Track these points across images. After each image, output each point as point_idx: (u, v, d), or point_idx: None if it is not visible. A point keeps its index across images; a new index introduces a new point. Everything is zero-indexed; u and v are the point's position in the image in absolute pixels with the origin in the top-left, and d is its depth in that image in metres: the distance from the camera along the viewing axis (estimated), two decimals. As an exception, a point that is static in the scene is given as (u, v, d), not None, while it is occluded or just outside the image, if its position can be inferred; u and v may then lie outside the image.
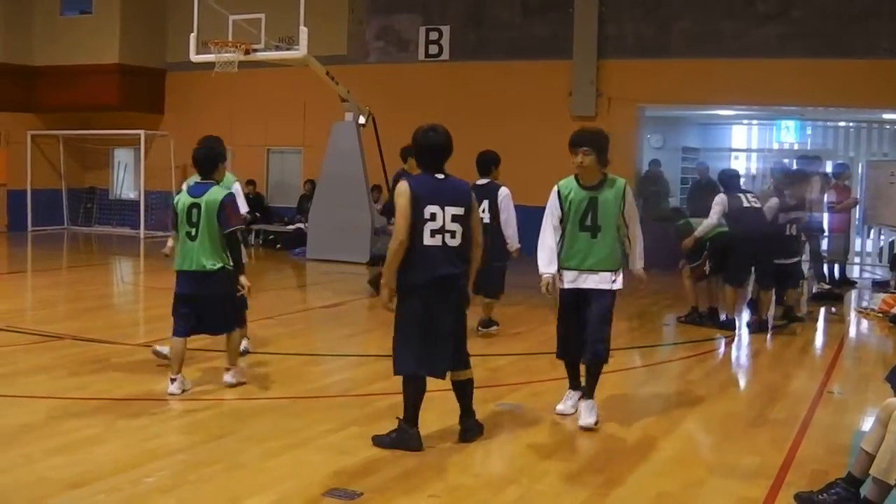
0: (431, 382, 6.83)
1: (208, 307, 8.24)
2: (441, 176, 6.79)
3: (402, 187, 6.67)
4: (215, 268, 8.15)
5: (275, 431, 7.06)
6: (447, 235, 6.64)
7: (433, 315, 6.65)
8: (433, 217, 6.60)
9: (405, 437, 6.70)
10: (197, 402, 7.86)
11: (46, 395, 7.87)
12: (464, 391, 7.09)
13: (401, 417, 6.78)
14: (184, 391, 8.12)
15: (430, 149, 6.84)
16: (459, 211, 6.71)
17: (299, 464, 6.32)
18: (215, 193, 8.23)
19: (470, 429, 7.08)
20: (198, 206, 8.15)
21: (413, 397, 6.77)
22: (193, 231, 8.14)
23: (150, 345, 10.17)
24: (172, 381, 8.10)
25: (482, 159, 11.37)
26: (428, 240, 6.59)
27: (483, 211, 10.49)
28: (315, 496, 5.69)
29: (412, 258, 6.59)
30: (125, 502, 5.53)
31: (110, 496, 5.58)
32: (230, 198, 8.36)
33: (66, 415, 7.27)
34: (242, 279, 8.38)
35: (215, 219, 8.13)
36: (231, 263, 8.26)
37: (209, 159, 8.42)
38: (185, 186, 8.76)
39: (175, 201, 8.37)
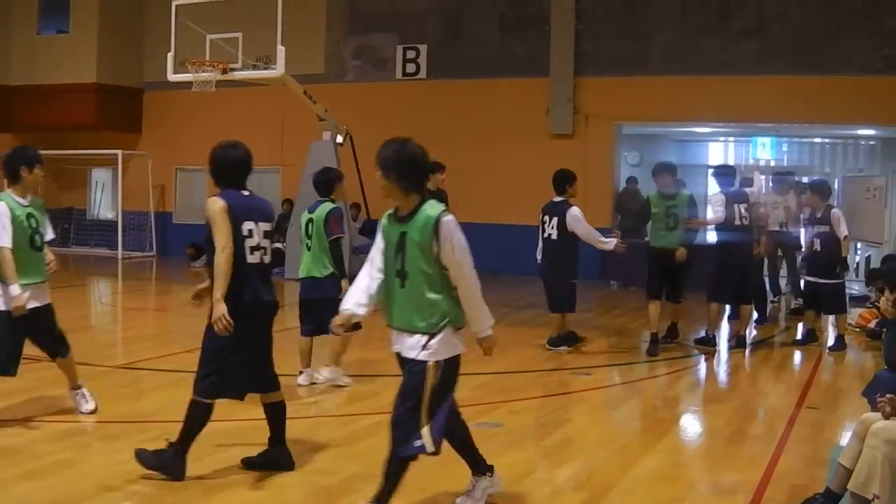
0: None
1: (325, 310, 8.32)
2: (246, 192, 6.65)
3: (219, 201, 6.41)
4: (323, 275, 9.25)
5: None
6: (262, 253, 6.49)
7: (247, 338, 6.35)
8: (250, 234, 6.43)
9: (174, 465, 6.33)
10: (174, 424, 7.80)
11: (23, 417, 7.82)
12: (276, 415, 6.71)
13: (172, 440, 6.41)
14: (312, 384, 9.49)
15: (231, 165, 6.68)
16: (268, 227, 6.59)
17: (279, 485, 6.29)
18: (325, 208, 9.37)
19: (279, 460, 6.66)
20: (311, 220, 9.37)
21: (200, 422, 6.42)
22: (308, 242, 9.36)
23: (128, 366, 10.17)
24: (301, 373, 9.50)
25: (558, 178, 11.95)
26: (249, 257, 6.39)
27: (552, 227, 11.66)
28: (294, 517, 5.66)
29: (235, 276, 6.27)
30: (102, 526, 5.50)
31: (87, 520, 5.55)
32: (337, 211, 9.46)
33: (42, 438, 7.22)
34: (343, 283, 9.02)
35: (323, 230, 9.25)
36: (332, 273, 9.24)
37: (326, 182, 9.65)
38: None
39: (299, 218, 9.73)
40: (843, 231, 12.24)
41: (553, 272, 11.92)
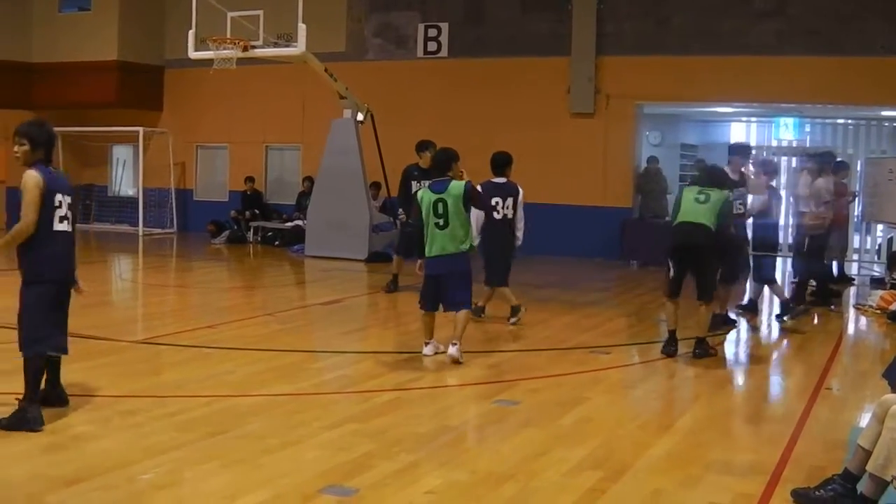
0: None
1: (453, 285, 9.60)
2: (52, 169, 7.24)
3: (35, 177, 6.95)
4: (460, 250, 9.60)
5: (271, 428, 7.05)
6: (67, 222, 7.17)
7: (62, 298, 7.19)
8: (60, 205, 7.08)
9: (28, 417, 6.77)
10: (193, 399, 7.85)
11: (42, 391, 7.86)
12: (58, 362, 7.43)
13: (21, 399, 6.86)
14: (436, 353, 9.74)
15: (50, 142, 7.24)
16: (70, 200, 7.21)
17: (296, 461, 6.30)
18: (459, 186, 9.62)
19: (60, 397, 7.40)
20: (442, 199, 9.54)
21: (40, 376, 7.05)
22: (439, 221, 9.56)
23: (148, 342, 10.22)
24: (426, 344, 9.81)
25: (499, 160, 12.00)
26: (57, 225, 7.06)
27: (508, 207, 11.83)
28: (311, 493, 5.67)
29: (45, 243, 6.98)
30: (121, 499, 5.52)
31: (106, 493, 5.57)
32: (470, 185, 9.76)
33: (63, 412, 7.25)
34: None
35: (461, 207, 9.55)
36: (469, 246, 9.71)
37: (446, 161, 9.90)
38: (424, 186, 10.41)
39: (419, 198, 9.82)
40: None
41: (505, 249, 12.06)
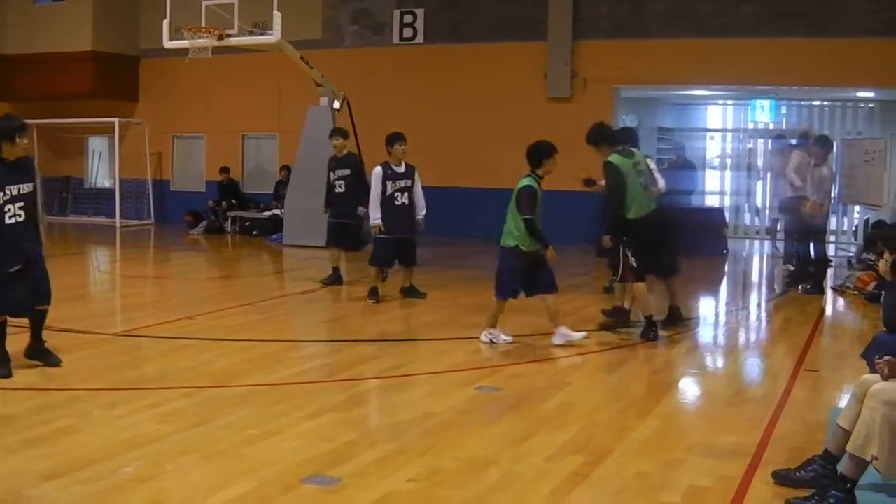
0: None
1: (514, 277, 9.87)
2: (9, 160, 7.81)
3: None
4: (508, 245, 9.75)
5: (252, 418, 7.04)
6: (17, 217, 7.78)
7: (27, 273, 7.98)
8: (10, 198, 7.73)
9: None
10: (173, 391, 7.83)
11: (23, 386, 7.83)
12: (41, 318, 8.38)
13: None
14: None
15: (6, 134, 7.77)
16: (28, 188, 7.90)
17: (277, 451, 6.29)
18: (520, 183, 9.72)
19: (40, 352, 8.38)
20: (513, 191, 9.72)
21: (3, 336, 8.07)
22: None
23: (127, 334, 10.18)
24: (491, 330, 9.89)
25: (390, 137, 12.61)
26: (8, 220, 7.73)
27: (408, 190, 12.55)
28: (293, 483, 5.67)
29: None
30: (102, 493, 5.50)
31: (87, 487, 5.55)
32: (528, 190, 9.64)
33: (42, 406, 7.23)
34: (549, 251, 9.71)
35: (515, 204, 9.66)
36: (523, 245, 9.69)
37: (535, 154, 9.85)
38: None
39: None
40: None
41: (413, 231, 12.66)
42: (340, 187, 13.80)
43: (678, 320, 11.03)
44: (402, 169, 12.52)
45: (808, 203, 13.59)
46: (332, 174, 13.79)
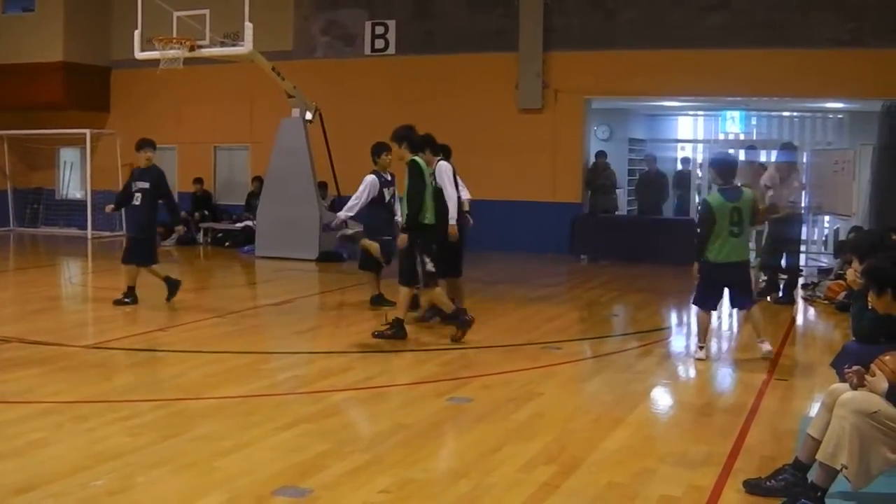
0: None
1: (740, 289, 10.14)
2: None
3: None
4: (747, 258, 10.11)
5: (224, 430, 7.02)
6: None
7: None
8: None
9: None
10: (145, 403, 7.80)
11: (-8, 398, 7.79)
12: None
13: None
14: (707, 357, 9.98)
15: None
16: None
17: (249, 462, 6.28)
18: (750, 195, 9.97)
19: None
20: (738, 208, 9.72)
21: None
22: (735, 229, 9.75)
23: (98, 346, 10.14)
24: (700, 348, 10.04)
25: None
26: None
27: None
28: (265, 495, 5.65)
29: None
30: (73, 506, 5.48)
31: (59, 500, 5.52)
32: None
33: (12, 419, 7.19)
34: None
35: (750, 217, 9.87)
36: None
37: (732, 169, 10.09)
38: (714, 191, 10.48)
39: (711, 205, 9.83)
40: None
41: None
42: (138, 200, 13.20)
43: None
44: (388, 177, 12.69)
45: (776, 207, 13.68)
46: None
